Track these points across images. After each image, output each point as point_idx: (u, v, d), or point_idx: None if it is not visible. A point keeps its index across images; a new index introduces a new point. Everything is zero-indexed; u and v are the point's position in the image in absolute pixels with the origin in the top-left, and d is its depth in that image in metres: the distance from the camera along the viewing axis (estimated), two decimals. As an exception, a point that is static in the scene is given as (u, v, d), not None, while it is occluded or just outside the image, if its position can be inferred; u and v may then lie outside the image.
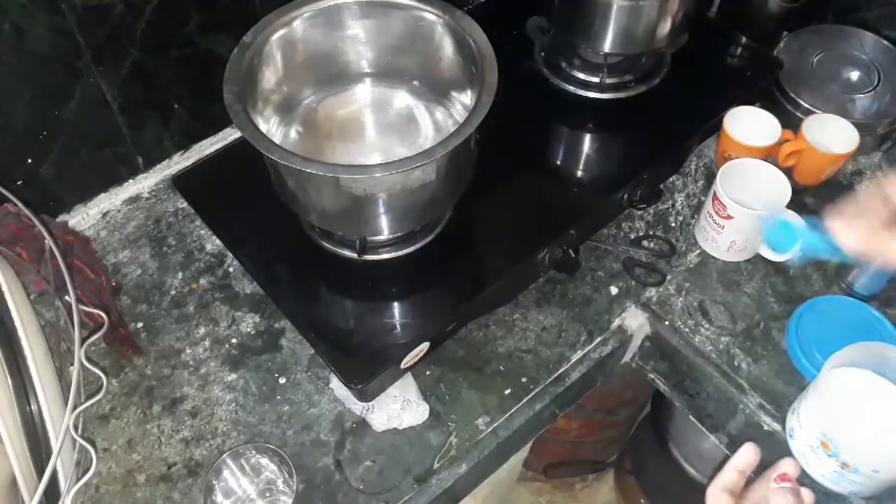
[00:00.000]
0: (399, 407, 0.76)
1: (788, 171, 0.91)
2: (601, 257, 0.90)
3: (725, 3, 1.08)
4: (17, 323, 0.65)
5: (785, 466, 0.56)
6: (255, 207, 0.85)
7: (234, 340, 0.83)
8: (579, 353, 0.83)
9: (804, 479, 0.74)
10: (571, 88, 0.97)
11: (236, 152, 0.91)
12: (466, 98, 0.80)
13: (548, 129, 0.95)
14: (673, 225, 0.93)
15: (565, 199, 0.87)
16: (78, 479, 0.64)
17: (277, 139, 0.81)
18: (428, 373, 0.81)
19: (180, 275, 0.88)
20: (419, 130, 0.86)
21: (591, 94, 0.96)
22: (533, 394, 0.80)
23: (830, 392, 0.69)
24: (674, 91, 0.97)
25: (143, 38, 0.82)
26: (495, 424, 0.78)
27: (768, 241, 0.59)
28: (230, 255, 0.88)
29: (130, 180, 0.94)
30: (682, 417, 1.21)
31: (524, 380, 0.81)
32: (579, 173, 0.92)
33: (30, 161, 0.83)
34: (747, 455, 0.57)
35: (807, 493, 0.57)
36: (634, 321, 0.87)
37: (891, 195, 0.52)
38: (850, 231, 0.53)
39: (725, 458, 0.60)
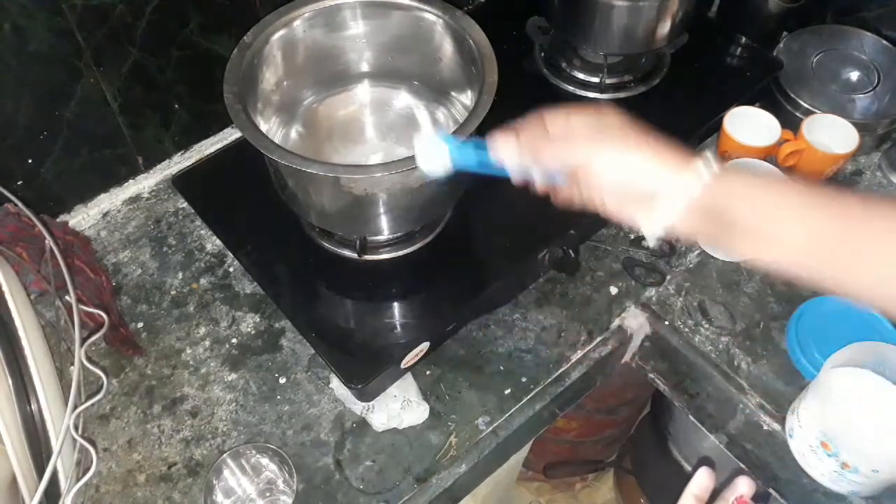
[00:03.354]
0: (399, 407, 0.76)
1: (788, 171, 0.92)
2: (601, 257, 0.90)
3: (725, 3, 1.08)
4: (17, 323, 0.65)
5: (741, 488, 0.56)
6: (255, 207, 0.85)
7: (234, 340, 0.83)
8: (579, 353, 0.83)
9: (803, 478, 0.75)
10: (571, 88, 0.97)
11: (236, 152, 0.91)
12: (466, 98, 0.80)
13: (548, 129, 0.94)
14: (673, 225, 0.92)
15: (565, 199, 0.87)
16: (78, 479, 0.64)
17: (278, 139, 0.81)
18: (428, 373, 0.81)
19: (180, 275, 0.88)
20: (419, 130, 0.86)
21: (591, 95, 0.96)
22: (533, 394, 0.80)
23: (830, 392, 0.69)
24: (674, 91, 0.97)
25: (143, 38, 0.82)
26: (495, 424, 0.78)
27: (422, 158, 0.59)
28: (230, 255, 0.88)
29: (130, 180, 0.95)
30: (682, 417, 1.20)
31: (524, 380, 0.81)
32: (579, 173, 0.92)
33: (30, 161, 0.83)
34: (703, 480, 0.57)
35: None
36: (634, 321, 0.86)
37: (548, 122, 0.56)
38: (508, 144, 0.57)
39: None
